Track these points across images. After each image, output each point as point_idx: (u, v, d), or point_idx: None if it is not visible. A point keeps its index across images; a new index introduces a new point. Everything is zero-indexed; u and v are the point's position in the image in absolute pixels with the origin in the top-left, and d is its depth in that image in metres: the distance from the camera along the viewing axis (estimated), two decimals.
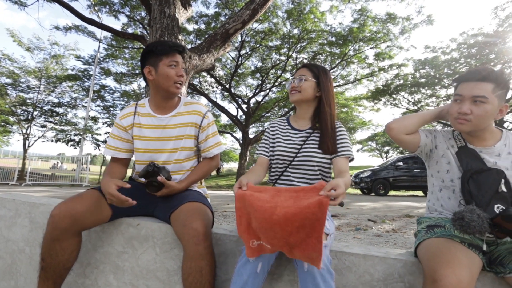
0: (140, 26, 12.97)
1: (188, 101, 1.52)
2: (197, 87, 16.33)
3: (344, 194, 0.95)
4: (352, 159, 1.35)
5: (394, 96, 16.68)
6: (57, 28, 12.55)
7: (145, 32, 12.39)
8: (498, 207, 1.02)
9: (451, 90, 15.47)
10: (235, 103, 17.51)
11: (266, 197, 1.00)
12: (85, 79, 16.21)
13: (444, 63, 14.18)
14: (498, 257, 1.03)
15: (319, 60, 15.13)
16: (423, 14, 16.78)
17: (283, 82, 16.26)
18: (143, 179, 1.34)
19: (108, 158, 1.54)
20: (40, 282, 1.23)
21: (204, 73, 15.76)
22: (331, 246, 1.20)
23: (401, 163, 11.23)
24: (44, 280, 1.23)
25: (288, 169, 1.36)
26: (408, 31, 13.25)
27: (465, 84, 1.13)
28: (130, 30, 13.51)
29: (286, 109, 17.76)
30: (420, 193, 12.35)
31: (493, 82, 1.08)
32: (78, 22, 12.69)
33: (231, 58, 15.87)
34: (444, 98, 16.15)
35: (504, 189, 1.05)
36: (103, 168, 15.73)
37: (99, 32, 16.26)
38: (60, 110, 16.20)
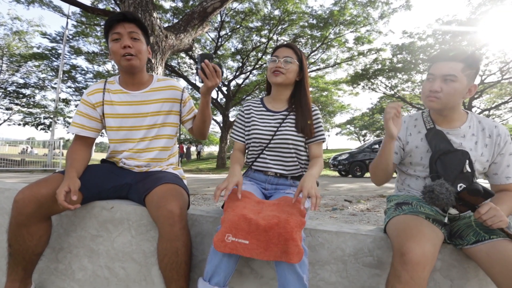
0: (112, 1, 12.16)
1: (161, 78, 1.48)
2: (176, 68, 15.78)
3: (317, 193, 1.07)
4: (324, 140, 1.40)
5: (372, 80, 17.04)
6: (17, 1, 11.49)
7: (117, 8, 11.64)
8: (460, 186, 1.08)
9: (425, 76, 15.94)
10: None
11: (252, 202, 1.12)
12: (53, 58, 15.13)
13: (420, 49, 14.56)
14: (457, 231, 1.12)
15: (300, 43, 15.02)
16: None
17: (264, 65, 16.06)
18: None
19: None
20: (9, 269, 1.19)
21: (182, 54, 15.21)
22: (306, 224, 1.24)
23: (377, 146, 11.65)
24: (13, 266, 1.18)
25: (264, 152, 1.37)
26: (387, 16, 13.37)
27: (437, 64, 1.17)
28: (101, 6, 12.64)
29: (267, 92, 17.69)
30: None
31: (462, 62, 1.13)
32: None
33: (210, 39, 15.39)
34: (419, 83, 16.71)
35: (468, 169, 1.11)
36: None
37: (66, 7, 15.12)
38: (27, 91, 15.17)
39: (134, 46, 1.29)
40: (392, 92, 18.00)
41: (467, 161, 1.11)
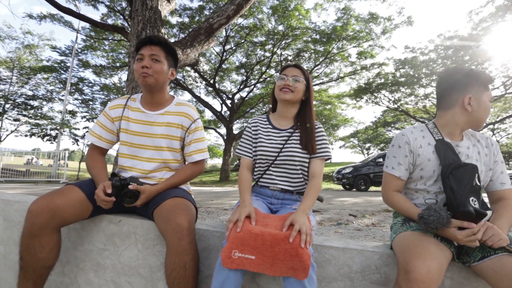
0: (121, 17, 12.55)
1: (180, 102, 1.50)
2: (181, 81, 16.05)
3: (308, 230, 1.05)
4: (329, 158, 1.39)
5: (376, 94, 17.14)
6: (30, 16, 11.95)
7: (126, 24, 12.00)
8: (472, 200, 1.07)
9: (428, 90, 16.04)
10: (219, 99, 17.40)
11: (258, 217, 1.13)
12: (62, 71, 15.47)
13: (423, 63, 14.70)
14: (464, 247, 1.11)
15: (303, 57, 15.26)
16: (404, 15, 17.36)
17: (268, 79, 16.27)
18: (113, 198, 1.26)
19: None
20: (19, 284, 1.18)
21: (188, 68, 15.51)
22: (312, 240, 1.24)
23: (381, 160, 11.58)
24: (23, 281, 1.17)
25: (270, 168, 1.38)
26: (389, 31, 13.63)
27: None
28: (110, 21, 13.05)
29: (271, 106, 17.83)
30: None
31: None
32: (54, 10, 12.09)
33: (215, 53, 15.70)
34: (422, 97, 16.77)
35: (478, 183, 1.11)
36: (82, 164, 15.20)
37: (76, 22, 15.63)
38: (35, 103, 15.42)
39: (152, 67, 1.36)
40: (395, 106, 18.06)
41: (476, 175, 1.11)
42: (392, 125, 24.03)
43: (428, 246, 0.99)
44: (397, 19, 15.39)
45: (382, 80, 16.25)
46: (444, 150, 1.18)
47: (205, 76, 16.35)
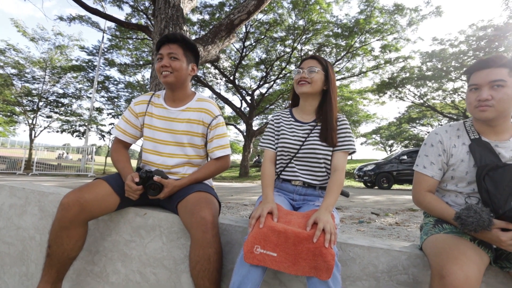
0: (144, 16, 12.88)
1: (201, 98, 1.52)
2: (201, 78, 16.27)
3: (332, 229, 1.01)
4: (353, 152, 1.35)
5: (400, 89, 16.50)
6: (61, 18, 12.54)
7: (149, 23, 12.31)
8: None
9: (458, 84, 15.24)
10: (239, 95, 17.46)
11: (280, 214, 1.11)
12: (90, 70, 16.22)
13: (452, 56, 13.95)
14: (504, 252, 1.03)
15: (324, 52, 14.95)
16: (432, 5, 16.51)
17: (288, 74, 16.11)
18: (140, 187, 1.31)
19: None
20: (44, 270, 1.26)
21: (208, 65, 15.69)
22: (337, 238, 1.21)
23: (405, 157, 11.18)
24: (49, 267, 1.25)
25: (292, 161, 1.37)
26: (415, 23, 13.01)
27: (479, 73, 1.09)
28: (134, 21, 13.44)
29: (290, 101, 17.68)
30: None
31: (507, 67, 1.05)
32: (83, 12, 12.64)
33: (235, 50, 15.75)
34: (451, 92, 15.94)
35: None
36: (108, 159, 15.88)
37: (103, 22, 16.28)
38: (65, 101, 16.27)
39: (171, 65, 1.39)
40: (421, 101, 17.30)
41: None
42: (418, 121, 23.05)
43: (465, 250, 0.93)
44: (425, 9, 14.68)
45: (407, 74, 15.60)
46: (480, 151, 1.10)
47: (225, 73, 16.46)
